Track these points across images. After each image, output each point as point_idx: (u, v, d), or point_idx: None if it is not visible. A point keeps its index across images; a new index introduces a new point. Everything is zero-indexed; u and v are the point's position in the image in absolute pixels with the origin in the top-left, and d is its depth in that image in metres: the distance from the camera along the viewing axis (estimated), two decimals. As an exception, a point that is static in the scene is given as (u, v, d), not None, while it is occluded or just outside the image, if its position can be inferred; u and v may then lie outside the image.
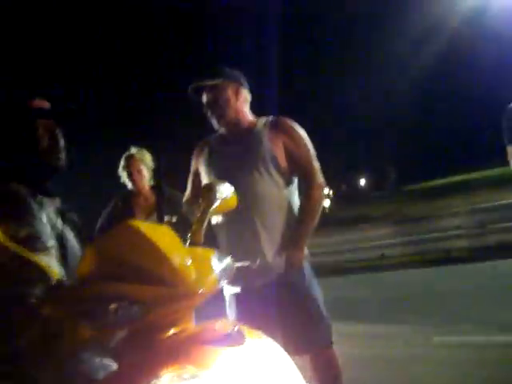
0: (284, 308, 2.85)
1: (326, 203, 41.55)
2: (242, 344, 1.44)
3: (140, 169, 4.32)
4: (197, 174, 3.09)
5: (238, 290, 2.88)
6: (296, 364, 1.63)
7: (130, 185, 4.33)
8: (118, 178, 4.40)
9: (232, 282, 2.82)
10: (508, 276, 7.03)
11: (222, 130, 3.02)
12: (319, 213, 2.95)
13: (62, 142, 1.86)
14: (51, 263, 1.61)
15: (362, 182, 54.78)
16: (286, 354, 1.60)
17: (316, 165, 2.97)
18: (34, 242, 1.64)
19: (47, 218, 1.77)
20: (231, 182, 2.77)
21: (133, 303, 1.37)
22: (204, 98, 2.96)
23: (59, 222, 1.82)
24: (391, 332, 5.71)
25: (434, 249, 11.29)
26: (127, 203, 4.32)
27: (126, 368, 1.44)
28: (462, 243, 10.91)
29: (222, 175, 2.73)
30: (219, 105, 2.93)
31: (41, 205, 1.78)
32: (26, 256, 1.40)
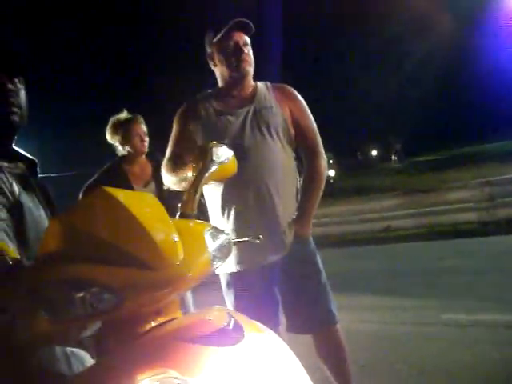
0: (291, 284, 2.68)
1: (331, 173, 41.30)
2: (240, 342, 1.19)
3: (145, 132, 3.98)
4: (186, 137, 2.73)
5: (237, 268, 2.64)
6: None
7: (130, 151, 3.96)
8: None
9: (239, 260, 2.60)
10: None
11: (225, 88, 2.77)
12: (324, 183, 2.83)
13: (18, 97, 1.57)
14: (3, 239, 1.34)
15: (374, 152, 54.52)
16: (289, 349, 1.34)
17: (319, 136, 2.83)
18: None
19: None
20: (242, 147, 2.54)
21: (105, 290, 1.11)
22: (233, 42, 2.66)
23: (17, 190, 1.52)
24: (398, 307, 5.51)
25: (442, 222, 11.04)
26: (122, 173, 3.96)
27: (100, 367, 1.19)
28: (471, 217, 10.65)
29: (230, 139, 2.52)
30: (249, 53, 2.72)
31: None
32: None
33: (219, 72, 2.77)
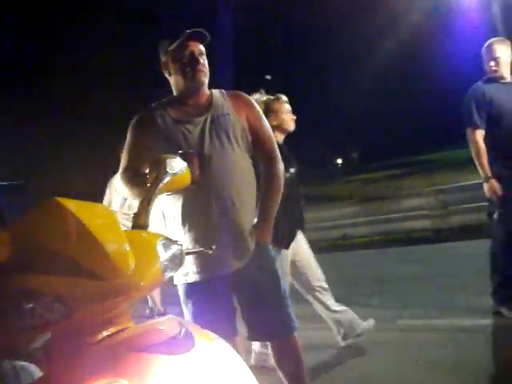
0: (250, 292, 2.66)
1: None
2: (190, 350, 1.19)
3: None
4: (142, 147, 2.66)
5: (200, 277, 2.61)
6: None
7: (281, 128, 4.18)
8: None
9: (202, 269, 2.57)
10: (470, 258, 6.96)
11: (180, 97, 2.74)
12: (282, 188, 2.82)
13: None
14: None
15: (339, 161, 55.29)
16: (240, 358, 1.34)
17: (275, 142, 2.85)
18: None
19: None
20: (202, 155, 2.53)
21: (55, 300, 1.10)
22: (188, 52, 2.64)
23: None
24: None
25: (397, 229, 11.20)
26: None
27: (49, 378, 1.17)
28: (425, 224, 10.81)
29: (190, 148, 2.52)
30: (204, 63, 2.70)
31: None
32: None
33: (174, 81, 2.74)
